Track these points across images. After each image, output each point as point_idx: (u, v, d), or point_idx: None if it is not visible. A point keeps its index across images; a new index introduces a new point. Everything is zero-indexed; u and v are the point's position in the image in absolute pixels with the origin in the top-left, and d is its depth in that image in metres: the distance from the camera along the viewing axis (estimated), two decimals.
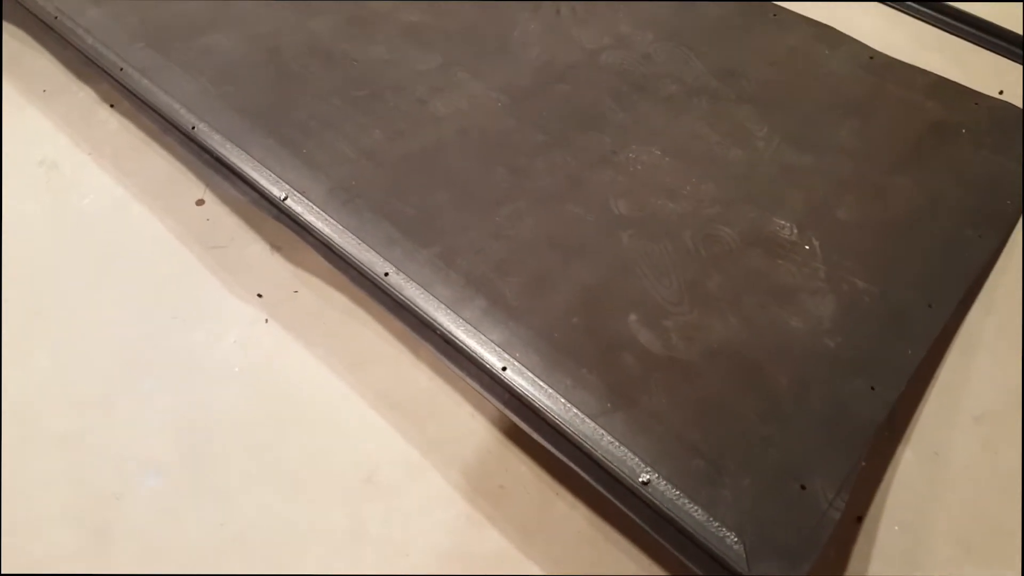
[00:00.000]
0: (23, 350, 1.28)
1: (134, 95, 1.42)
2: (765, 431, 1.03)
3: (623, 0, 1.79)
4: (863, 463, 1.03)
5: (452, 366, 1.09)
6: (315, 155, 1.31)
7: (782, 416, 1.05)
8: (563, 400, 1.01)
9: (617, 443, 0.98)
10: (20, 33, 1.80)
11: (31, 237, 1.44)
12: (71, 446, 1.18)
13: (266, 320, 1.33)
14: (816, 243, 1.29)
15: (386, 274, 1.16)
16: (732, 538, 0.92)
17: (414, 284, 1.14)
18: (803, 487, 0.99)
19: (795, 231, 1.30)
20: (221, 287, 1.37)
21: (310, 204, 1.23)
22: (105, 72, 1.46)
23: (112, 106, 1.65)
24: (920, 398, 1.24)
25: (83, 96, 1.69)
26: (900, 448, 1.20)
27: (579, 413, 1.00)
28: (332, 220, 1.21)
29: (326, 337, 1.31)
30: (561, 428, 0.99)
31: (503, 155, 1.39)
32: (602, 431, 0.99)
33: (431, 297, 1.13)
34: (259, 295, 1.36)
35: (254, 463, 1.17)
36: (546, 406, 1.01)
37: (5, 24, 1.82)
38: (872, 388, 1.11)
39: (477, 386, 1.06)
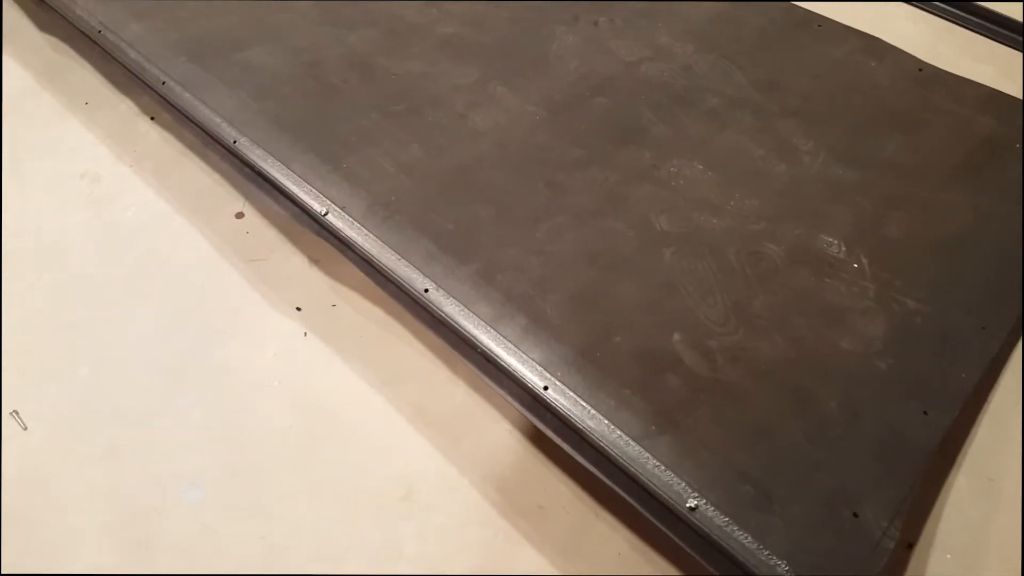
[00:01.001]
0: (64, 363, 1.29)
1: (176, 109, 1.43)
2: (815, 456, 1.00)
3: (665, 0, 1.76)
4: (916, 489, 1.00)
5: (493, 384, 1.08)
6: (355, 170, 1.31)
7: (833, 440, 1.02)
8: (607, 422, 0.99)
9: (663, 467, 0.95)
10: (63, 46, 1.83)
11: (73, 249, 1.46)
12: (112, 460, 1.18)
13: (305, 334, 1.33)
14: (865, 261, 1.26)
15: (426, 290, 1.15)
16: (783, 567, 0.89)
17: (454, 301, 1.13)
18: (855, 515, 0.96)
19: (843, 248, 1.27)
20: (261, 300, 1.37)
21: (351, 219, 1.23)
22: (147, 86, 1.47)
23: (153, 118, 1.67)
24: (973, 422, 1.20)
25: (124, 108, 1.71)
26: (952, 474, 1.16)
27: (623, 435, 0.98)
28: (372, 235, 1.21)
29: (363, 351, 1.30)
30: (605, 450, 0.97)
31: (542, 170, 1.37)
32: (647, 454, 0.96)
33: (471, 314, 1.12)
34: (298, 308, 1.36)
35: (293, 478, 1.17)
36: (589, 427, 0.99)
37: (48, 37, 1.85)
38: (925, 412, 1.07)
39: (518, 405, 1.05)
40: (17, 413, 1.22)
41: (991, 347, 1.18)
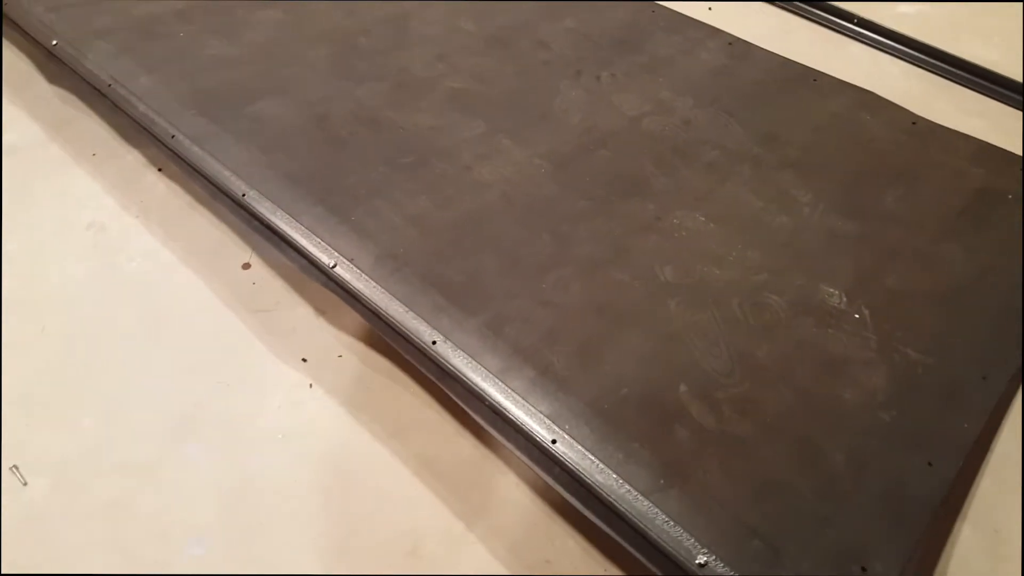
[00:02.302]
0: (70, 414, 1.29)
1: (185, 162, 1.45)
2: (823, 510, 1.00)
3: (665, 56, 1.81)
4: (922, 541, 1.00)
5: (500, 437, 1.08)
6: (363, 222, 1.33)
7: (840, 494, 1.02)
8: (615, 476, 0.99)
9: (672, 522, 0.95)
10: (71, 98, 1.86)
11: (79, 299, 1.46)
12: (115, 512, 1.17)
13: (310, 385, 1.33)
14: (866, 312, 1.27)
15: (434, 342, 1.16)
16: None
17: (462, 353, 1.14)
18: (864, 568, 0.96)
19: (844, 300, 1.29)
20: (266, 351, 1.37)
21: (359, 272, 1.24)
22: (157, 139, 1.50)
23: (160, 169, 1.69)
24: (976, 473, 1.21)
25: (131, 159, 1.73)
26: (958, 525, 1.16)
27: (632, 489, 0.98)
28: (380, 288, 1.22)
29: (369, 402, 1.30)
30: (614, 505, 0.97)
31: (547, 221, 1.39)
32: (656, 509, 0.96)
33: (479, 367, 1.12)
34: (304, 359, 1.36)
35: (297, 532, 1.15)
36: (598, 482, 0.99)
37: (57, 89, 1.87)
38: (929, 464, 1.08)
39: (526, 459, 1.05)
40: (17, 468, 1.21)
41: (992, 396, 1.19)
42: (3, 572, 1.05)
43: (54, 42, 1.71)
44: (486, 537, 1.14)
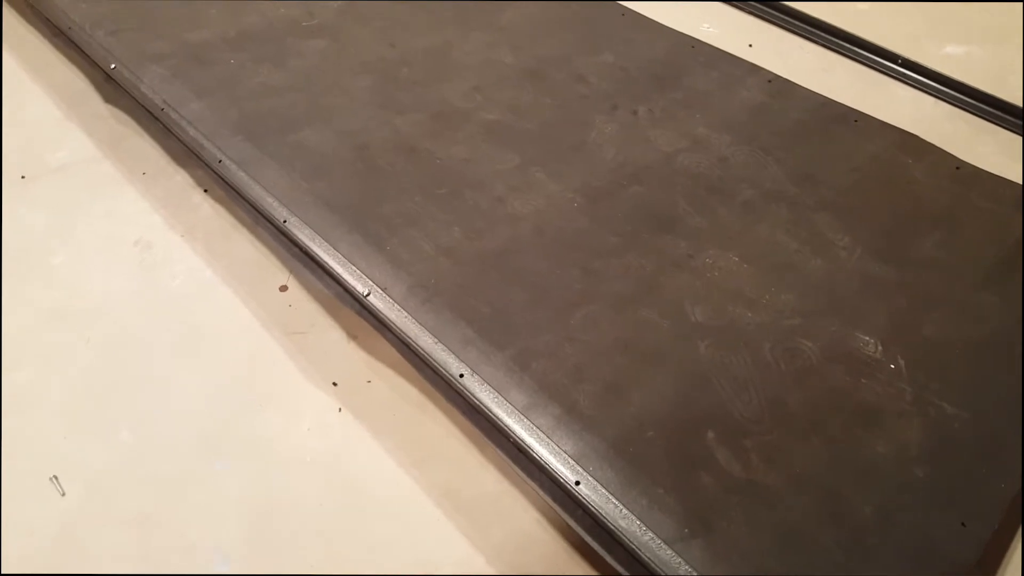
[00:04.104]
0: (106, 425, 1.32)
1: (230, 186, 1.49)
2: (849, 566, 0.98)
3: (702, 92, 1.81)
4: None
5: (523, 475, 1.08)
6: (398, 252, 1.35)
7: (867, 550, 1.01)
8: (639, 522, 0.99)
9: (696, 573, 0.94)
10: (125, 118, 1.92)
11: (122, 313, 1.50)
12: (144, 527, 1.20)
13: (339, 409, 1.35)
14: (902, 362, 1.25)
15: (461, 375, 1.17)
16: None
17: (488, 388, 1.15)
18: None
19: (879, 348, 1.27)
20: (298, 373, 1.40)
21: (391, 301, 1.26)
22: (204, 163, 1.54)
23: (206, 191, 1.74)
24: (1013, 534, 1.17)
25: (179, 180, 1.78)
26: None
27: (655, 537, 0.98)
28: (411, 318, 1.24)
29: (396, 430, 1.32)
30: (636, 553, 0.97)
31: (578, 256, 1.40)
32: (679, 559, 0.96)
33: (505, 402, 1.13)
34: (334, 383, 1.38)
35: (320, 554, 1.17)
36: (621, 527, 0.99)
37: (112, 108, 1.94)
38: (963, 524, 1.05)
39: (548, 499, 1.05)
40: (56, 478, 1.25)
41: None
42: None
43: (112, 65, 1.78)
44: (506, 572, 1.14)
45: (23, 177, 1.77)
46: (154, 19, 1.93)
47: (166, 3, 2.00)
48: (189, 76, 1.73)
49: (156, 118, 1.67)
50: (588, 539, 1.00)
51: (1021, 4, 1.99)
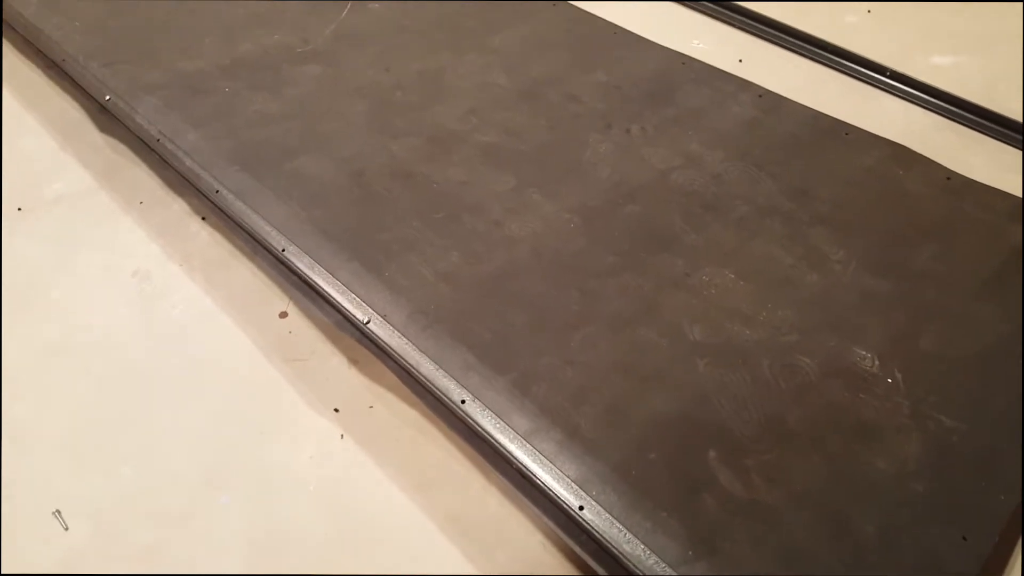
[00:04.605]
0: (108, 459, 1.32)
1: (228, 216, 1.50)
2: None
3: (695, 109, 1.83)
4: None
5: (527, 501, 1.09)
6: (396, 278, 1.36)
7: (869, 567, 1.01)
8: (643, 546, 0.99)
9: None
10: (121, 147, 1.93)
11: (121, 343, 1.51)
12: (148, 562, 1.20)
13: (341, 436, 1.35)
14: (899, 376, 1.26)
15: (463, 401, 1.17)
16: None
17: (490, 413, 1.16)
18: None
19: (876, 362, 1.28)
20: (300, 400, 1.40)
21: (391, 328, 1.27)
22: (201, 193, 1.55)
23: (203, 219, 1.75)
24: (1013, 547, 1.18)
25: (176, 208, 1.79)
26: None
27: (660, 561, 0.98)
28: (412, 345, 1.25)
29: (398, 455, 1.32)
30: None
31: (576, 277, 1.41)
32: None
33: (507, 427, 1.14)
34: (336, 409, 1.39)
35: None
36: (625, 552, 0.99)
37: (108, 139, 1.95)
38: (964, 538, 1.06)
39: (553, 524, 1.05)
40: (59, 513, 1.25)
41: None
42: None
43: (107, 97, 1.79)
44: None
45: (20, 209, 1.78)
46: (148, 50, 1.94)
47: (160, 34, 2.02)
48: (184, 106, 1.75)
49: (152, 149, 1.68)
50: (593, 564, 1.01)
51: (1010, 11, 2.01)
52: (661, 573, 0.97)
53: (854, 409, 1.21)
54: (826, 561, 1.01)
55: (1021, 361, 1.30)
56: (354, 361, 1.46)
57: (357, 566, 1.18)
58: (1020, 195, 1.66)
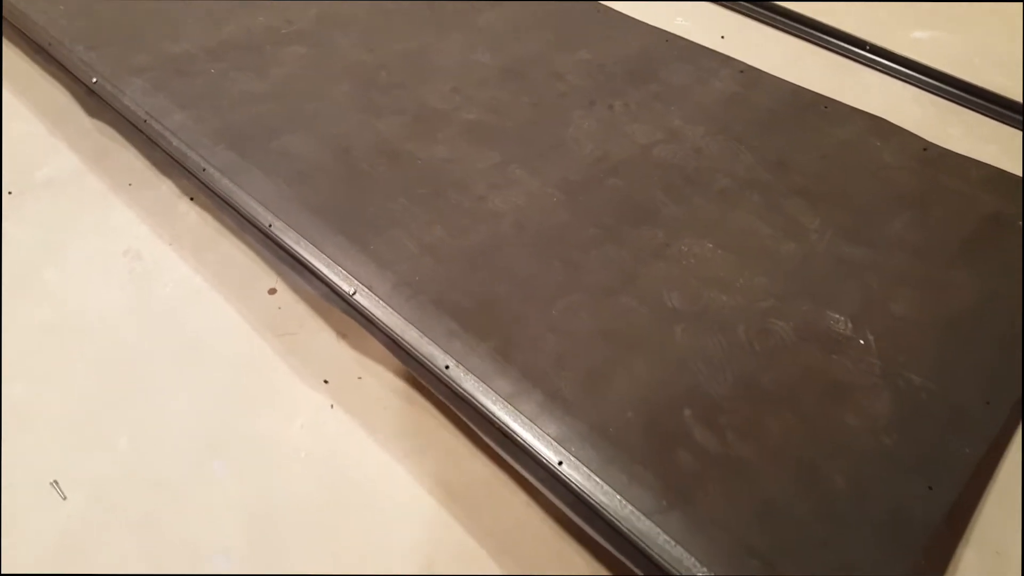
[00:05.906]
0: (104, 433, 1.36)
1: (215, 194, 1.53)
2: (822, 533, 1.03)
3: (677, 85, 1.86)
4: (922, 564, 1.02)
5: (510, 459, 1.12)
6: (382, 252, 1.39)
7: (839, 517, 1.05)
8: (619, 497, 1.03)
9: (673, 542, 0.99)
10: (109, 131, 1.95)
11: (114, 323, 1.54)
12: (145, 529, 1.23)
13: (331, 406, 1.38)
14: (871, 338, 1.30)
15: (447, 367, 1.21)
16: None
17: (473, 377, 1.19)
18: None
19: (850, 325, 1.31)
20: (290, 373, 1.44)
21: (377, 299, 1.30)
22: (189, 172, 1.58)
23: (192, 199, 1.77)
24: (980, 497, 1.22)
25: (165, 189, 1.81)
26: (960, 548, 1.17)
27: (635, 510, 1.02)
28: (397, 314, 1.28)
29: (387, 423, 1.36)
30: (617, 525, 1.01)
31: (559, 249, 1.44)
32: (658, 529, 1.00)
33: (490, 390, 1.17)
34: (325, 381, 1.42)
35: (317, 548, 1.21)
36: (602, 503, 1.03)
37: (96, 122, 1.97)
38: (930, 488, 1.10)
39: (534, 479, 1.09)
40: (57, 483, 1.28)
41: (995, 422, 1.21)
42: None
43: (94, 79, 1.81)
44: (496, 555, 1.18)
45: (10, 193, 1.80)
46: (134, 33, 1.96)
47: (145, 17, 2.03)
48: (171, 87, 1.77)
49: (139, 130, 1.70)
50: (572, 515, 1.05)
51: None
52: (636, 521, 1.01)
53: (827, 370, 1.24)
54: (797, 511, 1.05)
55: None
56: (342, 335, 1.49)
57: (349, 530, 1.22)
58: (994, 164, 1.70)
